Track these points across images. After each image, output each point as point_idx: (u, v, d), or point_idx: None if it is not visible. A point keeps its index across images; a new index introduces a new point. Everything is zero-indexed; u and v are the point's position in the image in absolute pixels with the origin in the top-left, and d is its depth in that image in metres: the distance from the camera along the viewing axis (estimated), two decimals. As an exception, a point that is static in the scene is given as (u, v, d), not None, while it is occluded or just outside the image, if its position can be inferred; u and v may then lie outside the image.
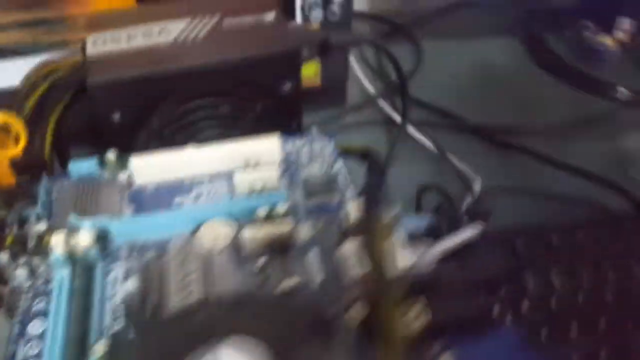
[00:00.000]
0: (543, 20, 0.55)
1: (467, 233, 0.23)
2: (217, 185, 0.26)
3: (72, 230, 0.22)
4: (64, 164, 0.31)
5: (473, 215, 0.28)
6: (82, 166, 0.26)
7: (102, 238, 0.22)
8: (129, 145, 0.28)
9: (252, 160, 0.26)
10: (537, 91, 0.50)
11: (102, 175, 0.26)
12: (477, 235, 0.24)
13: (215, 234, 0.23)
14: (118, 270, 0.22)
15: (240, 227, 0.23)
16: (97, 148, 0.28)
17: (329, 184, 0.26)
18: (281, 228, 0.23)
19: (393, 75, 0.50)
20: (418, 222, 0.23)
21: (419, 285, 0.19)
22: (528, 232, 0.32)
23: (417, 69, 0.52)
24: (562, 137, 0.45)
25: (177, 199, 0.25)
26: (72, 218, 0.23)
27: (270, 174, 0.26)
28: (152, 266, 0.21)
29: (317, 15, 0.40)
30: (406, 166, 0.41)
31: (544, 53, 0.53)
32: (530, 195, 0.39)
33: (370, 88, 0.48)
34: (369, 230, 0.19)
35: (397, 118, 0.44)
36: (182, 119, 0.29)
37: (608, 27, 0.52)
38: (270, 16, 0.30)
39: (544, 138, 0.44)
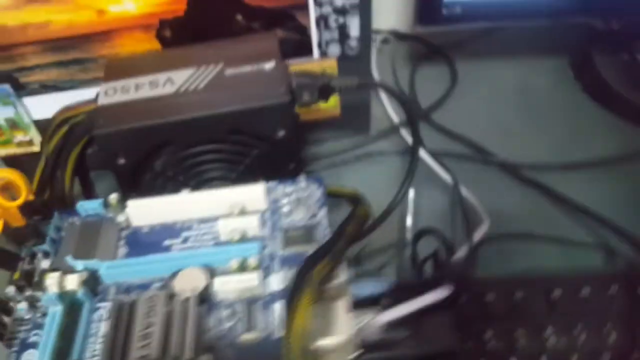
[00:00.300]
0: (592, 41, 0.51)
1: (427, 299, 0.24)
2: (203, 230, 0.28)
3: (67, 271, 0.25)
4: (89, 197, 0.35)
5: (452, 273, 0.29)
6: (89, 206, 0.29)
7: (92, 279, 0.25)
8: (135, 184, 0.31)
9: (236, 207, 0.28)
10: (579, 120, 0.48)
11: (105, 216, 0.29)
12: (440, 300, 0.24)
13: (190, 281, 0.25)
14: (103, 309, 0.25)
15: (213, 276, 0.25)
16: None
17: (307, 234, 0.27)
18: (251, 279, 0.25)
19: (420, 103, 0.50)
20: (375, 287, 0.23)
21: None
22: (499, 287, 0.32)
23: (449, 94, 0.51)
24: (599, 174, 0.42)
25: (167, 242, 0.28)
26: (68, 259, 0.25)
27: (251, 223, 0.27)
28: (123, 311, 0.23)
29: (334, 50, 0.41)
30: (420, 198, 0.41)
31: (590, 78, 0.50)
32: (536, 240, 0.37)
33: (394, 116, 0.48)
34: (295, 295, 0.20)
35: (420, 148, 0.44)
36: (183, 163, 0.31)
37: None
38: (269, 65, 0.32)
39: (577, 175, 0.42)
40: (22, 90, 0.40)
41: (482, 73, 0.53)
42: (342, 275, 0.23)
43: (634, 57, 0.49)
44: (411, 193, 0.41)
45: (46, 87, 0.40)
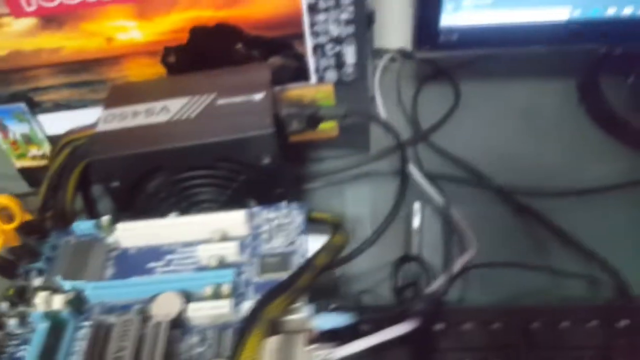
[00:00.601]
0: (598, 65, 0.51)
1: (389, 333, 0.24)
2: (185, 254, 0.29)
3: (56, 289, 0.27)
4: (91, 214, 0.37)
5: (423, 303, 0.29)
6: (83, 227, 0.31)
7: (78, 299, 0.27)
8: (129, 205, 0.33)
9: (218, 233, 0.29)
10: (581, 146, 0.47)
11: (97, 237, 0.31)
12: (404, 334, 0.25)
13: (166, 305, 0.26)
14: (87, 328, 0.26)
15: (188, 301, 0.26)
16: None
17: (283, 261, 0.29)
18: (224, 306, 0.26)
19: (420, 124, 0.51)
20: (338, 320, 0.24)
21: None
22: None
23: (450, 115, 0.52)
24: (596, 202, 0.42)
25: (151, 264, 0.29)
26: (57, 279, 0.27)
27: (230, 248, 0.29)
28: (100, 333, 0.25)
29: (331, 76, 0.42)
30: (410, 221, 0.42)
31: (595, 102, 0.50)
32: (523, 269, 0.37)
33: (394, 136, 0.49)
34: (245, 331, 0.21)
35: (413, 170, 0.45)
36: (174, 187, 0.33)
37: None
38: (259, 96, 0.33)
39: (572, 202, 0.42)
40: (36, 108, 0.42)
41: (486, 94, 0.53)
42: (304, 308, 0.24)
43: (639, 82, 0.48)
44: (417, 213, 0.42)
45: (59, 106, 0.42)
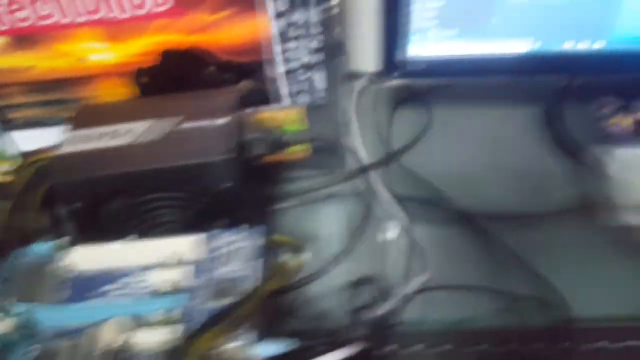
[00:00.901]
0: (563, 94, 0.52)
1: (332, 357, 0.25)
2: (140, 278, 0.30)
3: (8, 312, 0.27)
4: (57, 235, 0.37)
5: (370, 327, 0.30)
6: (42, 248, 0.31)
7: (29, 322, 0.27)
8: (90, 227, 0.33)
9: (174, 257, 0.30)
10: (544, 171, 0.48)
11: (55, 258, 0.31)
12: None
13: (115, 330, 0.27)
14: (35, 352, 0.27)
15: (137, 327, 0.27)
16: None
17: (236, 286, 0.29)
18: (172, 332, 0.26)
19: (392, 144, 0.51)
20: (278, 348, 0.24)
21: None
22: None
23: (420, 137, 0.52)
24: (553, 227, 0.43)
25: (105, 288, 0.30)
26: (10, 301, 0.28)
27: (184, 273, 0.29)
28: (46, 357, 0.25)
29: (303, 99, 0.43)
30: (374, 241, 0.42)
31: (558, 129, 0.51)
32: (477, 291, 0.38)
33: (365, 158, 0.50)
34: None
35: (380, 190, 0.45)
36: (135, 209, 0.33)
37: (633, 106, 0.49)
38: (223, 121, 0.34)
39: (529, 226, 0.43)
40: (8, 124, 0.43)
41: (457, 119, 0.54)
42: (243, 336, 0.24)
43: (599, 111, 0.50)
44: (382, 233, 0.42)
45: (31, 123, 0.42)
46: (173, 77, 0.41)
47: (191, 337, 0.23)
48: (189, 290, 0.29)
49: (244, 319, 0.25)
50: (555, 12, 0.41)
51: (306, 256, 0.33)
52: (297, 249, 0.32)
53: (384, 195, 0.45)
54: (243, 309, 0.25)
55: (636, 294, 0.37)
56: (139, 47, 0.39)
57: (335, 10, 0.41)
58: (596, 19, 0.42)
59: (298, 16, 0.37)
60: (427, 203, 0.46)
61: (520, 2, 0.41)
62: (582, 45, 0.43)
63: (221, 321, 0.24)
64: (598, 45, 0.44)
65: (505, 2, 0.41)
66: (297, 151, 0.47)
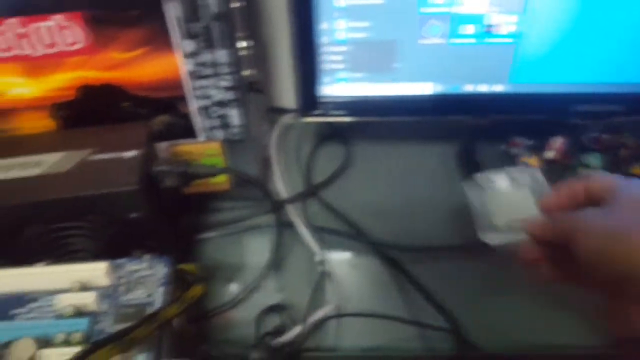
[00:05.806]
0: (476, 132, 0.58)
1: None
2: (46, 302, 0.33)
3: None
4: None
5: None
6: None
7: None
8: (5, 253, 0.36)
9: (78, 283, 0.33)
10: (455, 205, 0.54)
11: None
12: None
13: (21, 351, 0.29)
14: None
15: (42, 348, 0.29)
16: None
17: (139, 312, 0.32)
18: (74, 353, 0.29)
19: (313, 179, 0.56)
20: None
21: None
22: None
23: (339, 173, 0.57)
24: (461, 260, 0.48)
25: (14, 311, 0.32)
26: None
27: (88, 298, 0.32)
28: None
29: (218, 135, 0.47)
30: (290, 271, 0.46)
31: (470, 165, 0.57)
32: (386, 320, 0.42)
33: (284, 191, 0.54)
34: None
35: (297, 222, 0.50)
36: (46, 237, 0.36)
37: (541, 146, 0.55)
38: (131, 154, 0.38)
39: (434, 258, 0.48)
40: None
41: (374, 155, 0.59)
42: (138, 358, 0.27)
43: (510, 149, 0.56)
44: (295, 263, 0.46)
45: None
46: (91, 111, 0.44)
47: (84, 354, 0.26)
48: (93, 315, 0.32)
49: (139, 340, 0.28)
50: (452, 61, 0.48)
51: (222, 284, 0.36)
52: (202, 278, 0.36)
53: (301, 227, 0.49)
54: (139, 332, 0.28)
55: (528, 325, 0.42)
56: (57, 82, 0.42)
57: (248, 52, 0.46)
58: (492, 65, 0.48)
59: (206, 57, 0.41)
60: (342, 235, 0.51)
61: (417, 50, 0.47)
62: (482, 88, 0.50)
63: (114, 341, 0.27)
64: (497, 88, 0.50)
65: (405, 51, 0.47)
66: (217, 183, 0.51)
